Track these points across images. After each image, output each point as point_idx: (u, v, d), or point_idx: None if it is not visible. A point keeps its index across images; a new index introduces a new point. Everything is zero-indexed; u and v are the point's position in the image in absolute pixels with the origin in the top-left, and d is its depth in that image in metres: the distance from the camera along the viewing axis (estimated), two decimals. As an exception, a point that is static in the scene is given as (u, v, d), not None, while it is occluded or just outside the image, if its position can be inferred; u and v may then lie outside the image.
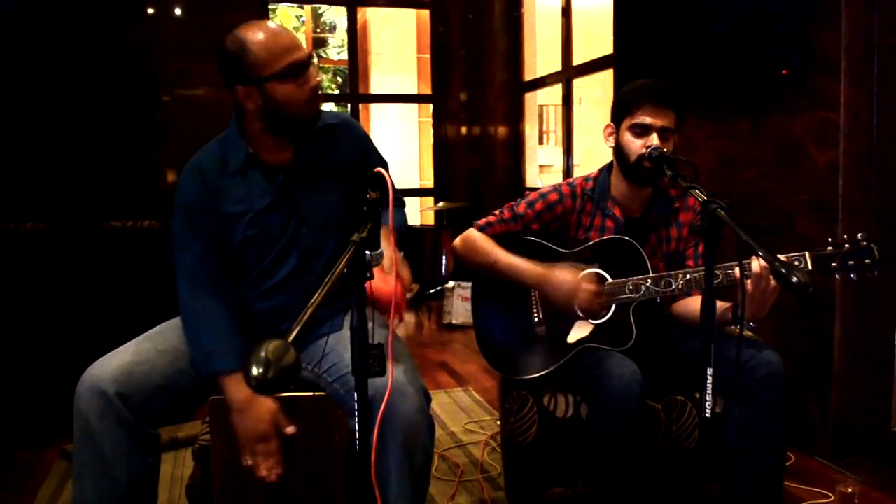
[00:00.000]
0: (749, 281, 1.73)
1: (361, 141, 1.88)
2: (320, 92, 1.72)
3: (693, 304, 1.97)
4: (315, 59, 1.75)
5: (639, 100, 1.93)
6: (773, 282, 1.72)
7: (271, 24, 1.67)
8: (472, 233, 2.10)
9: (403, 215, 1.96)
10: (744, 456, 1.84)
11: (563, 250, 2.06)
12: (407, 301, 1.71)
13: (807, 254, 1.80)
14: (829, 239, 1.82)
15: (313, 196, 1.76)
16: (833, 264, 1.79)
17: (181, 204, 1.73)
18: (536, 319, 2.05)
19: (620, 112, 1.98)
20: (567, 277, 1.95)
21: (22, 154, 4.46)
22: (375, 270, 1.61)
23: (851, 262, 1.78)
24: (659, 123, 1.91)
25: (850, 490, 2.07)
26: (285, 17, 13.69)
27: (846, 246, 1.79)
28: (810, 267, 1.79)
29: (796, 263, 1.79)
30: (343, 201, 1.78)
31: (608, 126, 2.03)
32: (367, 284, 1.25)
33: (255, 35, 1.61)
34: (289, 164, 1.75)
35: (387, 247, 1.73)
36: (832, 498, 2.25)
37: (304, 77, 1.65)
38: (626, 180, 2.02)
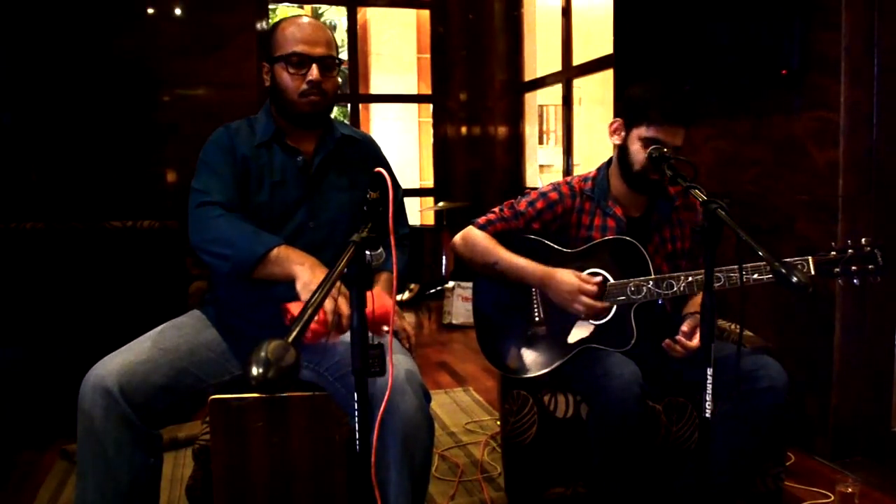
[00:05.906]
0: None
1: (381, 162, 1.92)
2: (326, 95, 1.77)
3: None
4: (335, 67, 1.80)
5: (656, 113, 1.88)
6: (696, 341, 1.82)
7: (313, 20, 1.81)
8: (473, 231, 2.09)
9: (405, 261, 1.95)
10: (718, 452, 1.82)
11: (565, 250, 2.05)
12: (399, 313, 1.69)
13: (810, 258, 1.79)
14: (833, 244, 1.80)
15: (324, 194, 1.82)
16: (836, 269, 1.77)
17: (208, 149, 1.79)
18: (537, 319, 2.05)
19: (634, 116, 1.93)
20: (569, 280, 1.94)
21: (22, 154, 4.46)
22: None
23: (854, 268, 1.76)
24: (670, 142, 1.88)
25: (850, 490, 2.07)
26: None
27: (850, 251, 1.77)
28: (813, 272, 1.78)
29: (799, 267, 1.78)
30: (352, 207, 1.83)
31: (616, 121, 2.00)
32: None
33: (289, 22, 1.79)
34: (309, 155, 1.84)
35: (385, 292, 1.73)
36: (832, 498, 2.25)
37: (303, 70, 1.74)
38: (625, 183, 2.02)
